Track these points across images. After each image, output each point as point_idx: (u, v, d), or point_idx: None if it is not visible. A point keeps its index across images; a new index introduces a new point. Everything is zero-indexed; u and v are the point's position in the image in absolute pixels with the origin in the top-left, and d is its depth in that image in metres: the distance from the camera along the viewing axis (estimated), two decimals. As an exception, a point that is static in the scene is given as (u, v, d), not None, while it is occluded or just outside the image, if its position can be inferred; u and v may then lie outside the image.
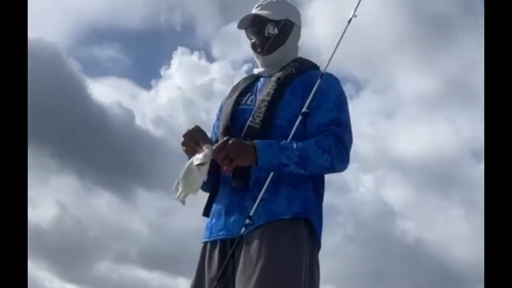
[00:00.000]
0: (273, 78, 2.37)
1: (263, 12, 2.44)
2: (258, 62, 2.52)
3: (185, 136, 2.21)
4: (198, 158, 2.05)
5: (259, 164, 2.09)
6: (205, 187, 2.34)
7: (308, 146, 2.16)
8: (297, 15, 2.54)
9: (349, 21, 2.43)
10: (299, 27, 2.54)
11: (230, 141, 2.06)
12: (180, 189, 2.08)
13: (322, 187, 2.34)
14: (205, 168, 2.04)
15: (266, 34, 2.43)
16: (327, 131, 2.21)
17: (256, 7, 2.50)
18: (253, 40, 2.48)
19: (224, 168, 2.14)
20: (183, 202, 2.10)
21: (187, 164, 2.08)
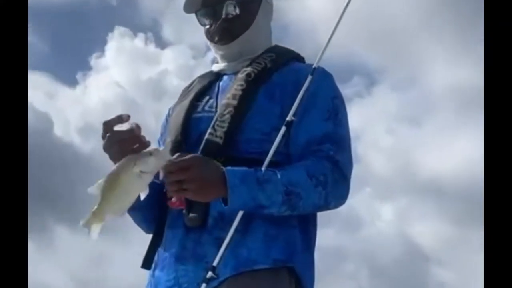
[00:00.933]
0: (241, 75, 1.87)
1: None
2: (217, 55, 2.01)
3: (114, 122, 1.65)
4: (141, 161, 1.52)
5: (230, 205, 1.61)
6: (144, 224, 1.87)
7: (297, 178, 1.66)
8: None
9: (311, 73, 1.84)
10: (270, 3, 2.02)
11: (196, 165, 1.58)
12: (97, 206, 1.52)
13: (313, 223, 1.84)
14: (148, 179, 1.53)
15: (224, 16, 1.91)
16: (319, 152, 1.72)
17: None
18: (207, 26, 1.97)
19: (173, 200, 1.70)
20: (92, 229, 1.54)
21: (116, 167, 1.54)
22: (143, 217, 1.85)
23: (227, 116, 1.76)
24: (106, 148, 1.63)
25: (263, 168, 1.65)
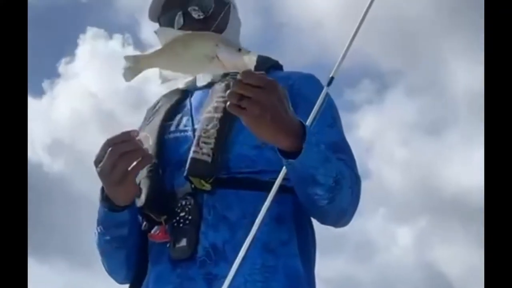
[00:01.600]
0: (219, 86, 1.67)
1: None
2: None
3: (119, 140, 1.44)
4: (223, 42, 1.32)
5: (298, 160, 1.36)
6: (123, 267, 1.63)
7: (344, 171, 1.51)
8: None
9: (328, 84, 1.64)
10: (236, 8, 1.86)
11: (277, 88, 1.31)
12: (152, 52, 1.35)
13: (314, 249, 1.64)
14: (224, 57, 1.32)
15: (196, 16, 1.74)
16: (342, 161, 1.56)
17: None
18: None
19: (155, 232, 1.52)
20: (128, 73, 1.37)
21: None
22: (126, 256, 1.61)
23: (212, 131, 1.56)
24: (107, 171, 1.40)
25: (273, 192, 1.44)
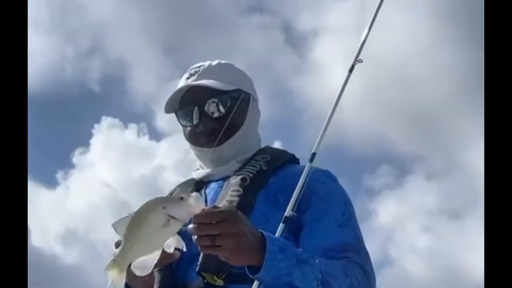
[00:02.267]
0: (234, 180, 1.68)
1: (203, 82, 1.74)
2: (202, 159, 1.81)
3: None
4: (171, 205, 1.33)
5: (260, 274, 1.38)
6: None
7: (334, 271, 1.47)
8: (250, 82, 1.88)
9: (350, 70, 1.77)
10: (256, 100, 1.86)
11: (234, 220, 1.35)
12: (119, 251, 1.34)
13: None
14: (176, 227, 1.34)
15: (211, 114, 1.73)
16: (345, 259, 1.54)
17: (188, 77, 1.79)
18: (189, 127, 1.78)
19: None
20: (113, 279, 1.33)
21: (143, 207, 1.34)
22: None
23: None
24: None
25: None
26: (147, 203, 1.34)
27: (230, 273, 1.49)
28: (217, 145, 1.72)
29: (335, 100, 1.72)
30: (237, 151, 1.75)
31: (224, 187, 1.68)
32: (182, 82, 1.78)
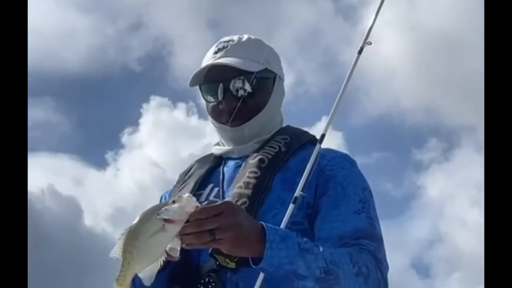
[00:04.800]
0: (252, 161, 1.67)
1: (229, 60, 1.72)
2: (223, 136, 1.80)
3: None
4: (164, 210, 1.33)
5: (262, 263, 1.38)
6: None
7: (339, 259, 1.46)
8: (278, 60, 1.84)
9: (359, 52, 1.74)
10: (282, 79, 1.83)
11: (231, 212, 1.36)
12: (120, 271, 1.35)
13: None
14: (173, 230, 1.33)
15: (235, 93, 1.71)
16: (357, 246, 1.53)
17: (216, 52, 1.77)
18: (213, 103, 1.76)
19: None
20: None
21: (137, 220, 1.35)
22: None
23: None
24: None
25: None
26: (140, 215, 1.35)
27: (242, 256, 1.47)
28: (238, 125, 1.72)
29: (344, 82, 1.70)
30: (258, 132, 1.74)
31: (241, 167, 1.67)
32: (208, 56, 1.76)
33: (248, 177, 1.62)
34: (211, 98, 1.75)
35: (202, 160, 1.81)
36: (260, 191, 1.58)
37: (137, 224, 1.34)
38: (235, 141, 1.75)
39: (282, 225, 1.49)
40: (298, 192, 1.54)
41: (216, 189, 1.69)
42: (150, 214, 1.33)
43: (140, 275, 1.35)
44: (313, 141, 1.73)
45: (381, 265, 1.53)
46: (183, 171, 1.82)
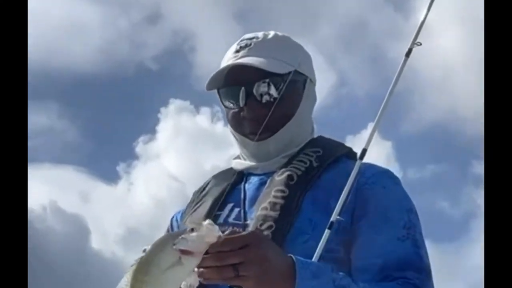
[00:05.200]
0: (278, 177, 1.48)
1: (253, 60, 1.51)
2: (243, 149, 1.59)
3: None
4: (181, 239, 1.16)
5: None
6: None
7: None
8: (309, 61, 1.64)
9: (406, 54, 1.53)
10: (314, 83, 1.63)
11: (257, 244, 1.20)
12: None
13: None
14: (191, 264, 1.17)
15: (259, 98, 1.50)
16: (402, 280, 1.36)
17: (237, 50, 1.56)
18: (233, 110, 1.55)
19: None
20: None
21: (149, 251, 1.18)
22: None
23: (266, 232, 1.38)
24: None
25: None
26: (153, 244, 1.19)
27: None
28: (263, 139, 1.51)
29: (389, 89, 1.50)
30: (286, 145, 1.53)
31: (266, 185, 1.48)
32: (229, 56, 1.56)
33: (275, 196, 1.43)
34: (230, 104, 1.55)
35: (220, 176, 1.62)
36: (288, 213, 1.40)
37: (149, 255, 1.17)
38: (259, 157, 1.55)
39: (315, 255, 1.31)
40: (334, 216, 1.36)
41: (236, 210, 1.50)
42: (164, 244, 1.17)
43: None
44: (349, 155, 1.54)
45: None
46: (198, 189, 1.63)
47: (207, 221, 1.17)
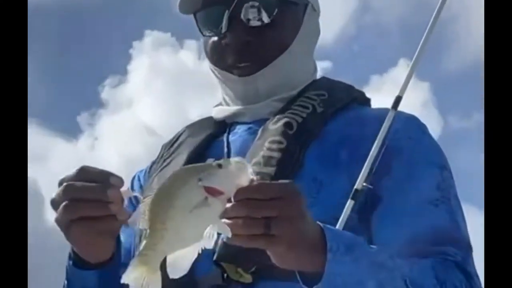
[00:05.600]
0: (273, 126, 1.23)
1: None
2: (226, 89, 1.33)
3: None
4: (208, 174, 0.94)
5: (321, 284, 0.97)
6: None
7: (423, 279, 1.07)
8: None
9: None
10: (317, 12, 1.36)
11: (297, 191, 0.94)
12: (143, 246, 0.95)
13: None
14: (219, 206, 0.93)
15: (247, 22, 1.26)
16: (440, 257, 1.12)
17: None
18: (213, 38, 1.30)
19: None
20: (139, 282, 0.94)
21: (170, 181, 0.95)
22: None
23: None
24: (61, 220, 0.99)
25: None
26: (173, 175, 0.96)
27: (264, 264, 1.04)
28: (251, 73, 1.25)
29: (432, 17, 1.22)
30: (281, 84, 1.28)
31: (258, 136, 1.22)
32: None
33: (269, 149, 1.17)
34: (211, 31, 1.28)
35: (195, 126, 1.36)
36: (287, 169, 1.15)
37: (170, 187, 0.94)
38: (246, 98, 1.28)
39: (340, 221, 1.09)
40: (359, 183, 1.11)
41: None
42: (188, 177, 0.93)
43: (169, 260, 0.94)
44: (361, 100, 1.30)
45: (473, 283, 1.13)
46: (168, 141, 1.36)
47: (237, 158, 0.95)
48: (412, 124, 1.24)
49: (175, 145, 1.33)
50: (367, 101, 1.33)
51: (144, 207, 0.94)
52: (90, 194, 0.96)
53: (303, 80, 1.31)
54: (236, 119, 1.29)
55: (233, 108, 1.30)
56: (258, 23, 1.24)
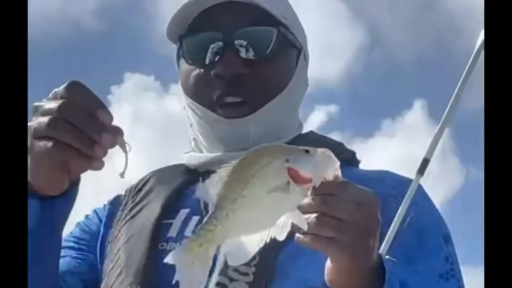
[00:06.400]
0: None
1: None
2: (208, 131, 1.17)
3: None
4: (297, 157, 0.85)
5: None
6: None
7: None
8: (301, 27, 1.24)
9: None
10: (307, 62, 1.24)
11: (378, 202, 0.86)
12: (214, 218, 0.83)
13: None
14: (301, 196, 0.84)
15: (243, 53, 1.11)
16: None
17: None
18: (199, 68, 1.14)
19: None
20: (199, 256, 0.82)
21: (256, 155, 0.85)
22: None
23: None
24: (46, 130, 0.89)
25: None
26: (256, 150, 0.86)
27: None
28: (238, 115, 1.11)
29: (460, 80, 1.08)
30: (270, 131, 1.14)
31: None
32: None
33: None
34: (196, 59, 1.13)
35: (164, 172, 1.22)
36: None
37: (251, 161, 0.84)
38: (233, 142, 1.13)
39: None
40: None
41: (195, 218, 1.08)
42: (274, 156, 0.84)
43: (232, 245, 0.83)
44: (349, 161, 1.17)
45: None
46: (131, 187, 1.21)
47: (323, 149, 0.86)
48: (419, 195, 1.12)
49: (142, 192, 1.18)
50: (356, 162, 1.20)
51: (219, 175, 0.83)
52: (86, 125, 0.88)
53: (290, 132, 1.18)
54: (211, 167, 1.11)
55: (211, 155, 1.15)
56: (253, 56, 1.10)
